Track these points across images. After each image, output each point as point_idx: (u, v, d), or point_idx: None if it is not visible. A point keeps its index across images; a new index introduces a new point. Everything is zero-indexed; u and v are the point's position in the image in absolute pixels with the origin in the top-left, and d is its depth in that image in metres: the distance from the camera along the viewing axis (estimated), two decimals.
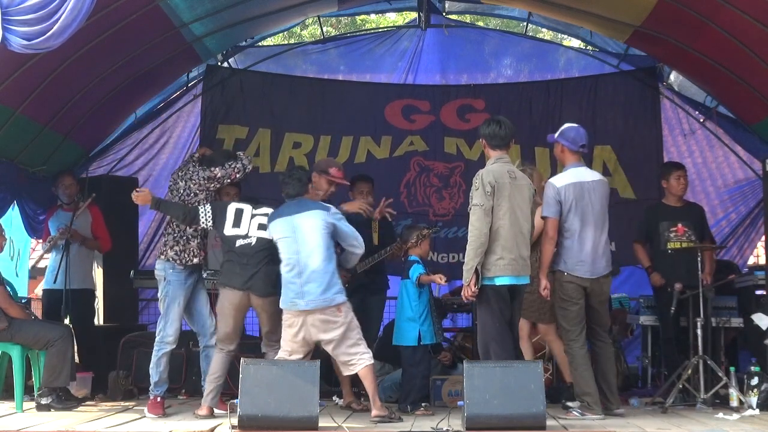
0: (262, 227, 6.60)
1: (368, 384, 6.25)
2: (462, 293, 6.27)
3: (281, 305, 6.33)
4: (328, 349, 6.32)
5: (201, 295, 7.02)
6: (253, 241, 6.58)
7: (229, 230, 6.63)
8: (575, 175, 6.67)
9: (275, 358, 6.37)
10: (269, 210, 6.68)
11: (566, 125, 6.85)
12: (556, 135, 6.80)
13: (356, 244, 6.45)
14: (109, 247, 8.38)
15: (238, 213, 6.66)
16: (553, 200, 6.57)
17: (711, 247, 7.59)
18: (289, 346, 6.30)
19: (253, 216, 6.64)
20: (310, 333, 6.25)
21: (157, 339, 6.84)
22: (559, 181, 6.64)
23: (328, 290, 6.22)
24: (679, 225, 7.58)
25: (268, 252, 6.55)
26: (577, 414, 6.39)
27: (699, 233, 7.66)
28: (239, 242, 6.59)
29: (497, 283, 6.16)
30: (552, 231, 6.54)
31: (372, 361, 6.29)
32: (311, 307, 6.19)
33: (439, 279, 6.97)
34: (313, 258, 6.24)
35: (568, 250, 6.57)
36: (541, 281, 6.55)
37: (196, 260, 6.86)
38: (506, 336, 6.22)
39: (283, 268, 6.33)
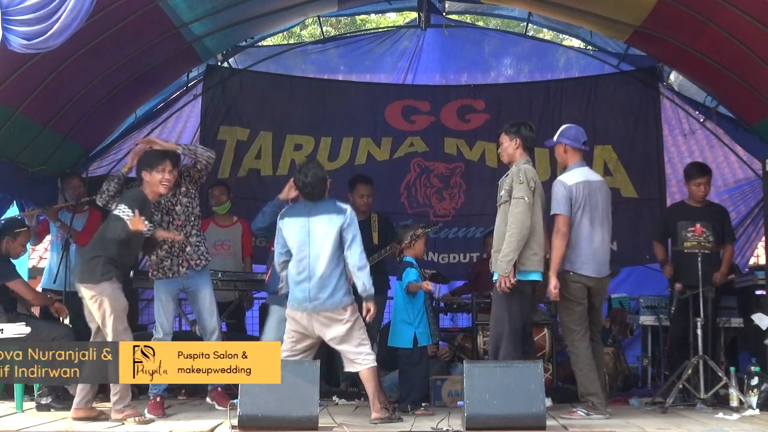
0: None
1: (369, 387, 6.22)
2: (498, 285, 6.26)
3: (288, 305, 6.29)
4: (333, 344, 6.30)
5: (200, 295, 6.98)
6: None
7: None
8: (583, 174, 6.69)
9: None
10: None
11: (564, 126, 6.86)
12: (556, 137, 6.79)
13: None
14: (82, 242, 8.27)
15: None
16: (563, 198, 6.55)
17: (710, 247, 7.56)
18: (293, 340, 6.29)
19: None
20: (314, 328, 6.23)
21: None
22: (569, 179, 6.63)
23: (334, 294, 6.19)
24: (698, 225, 7.50)
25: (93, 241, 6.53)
26: (582, 414, 6.39)
27: (719, 234, 7.57)
28: None
29: (530, 278, 6.28)
30: (564, 227, 6.52)
31: (375, 364, 6.27)
32: (317, 311, 6.18)
33: (426, 286, 6.92)
34: (320, 262, 6.18)
35: (575, 249, 6.56)
36: (551, 280, 6.49)
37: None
38: (519, 335, 6.30)
39: (292, 269, 6.27)
